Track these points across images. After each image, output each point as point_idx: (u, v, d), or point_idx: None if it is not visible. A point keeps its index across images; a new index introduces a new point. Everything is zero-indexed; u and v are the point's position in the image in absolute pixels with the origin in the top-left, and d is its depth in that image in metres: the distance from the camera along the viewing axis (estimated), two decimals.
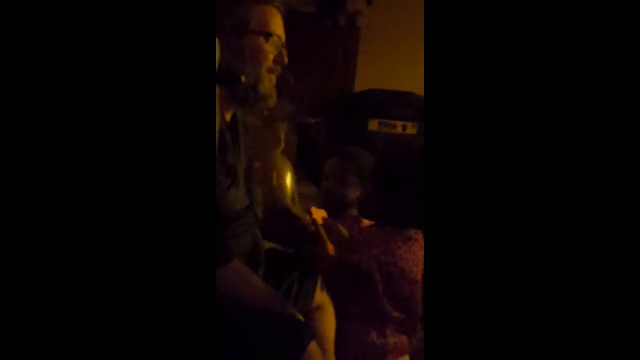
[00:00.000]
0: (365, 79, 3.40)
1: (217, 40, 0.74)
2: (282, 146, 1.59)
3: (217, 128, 1.08)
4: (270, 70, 1.15)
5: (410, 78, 3.05)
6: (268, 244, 1.33)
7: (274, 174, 1.43)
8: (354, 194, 1.67)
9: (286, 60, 1.16)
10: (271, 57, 1.14)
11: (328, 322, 1.31)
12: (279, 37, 1.15)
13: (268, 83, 1.15)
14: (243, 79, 1.08)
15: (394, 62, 3.35)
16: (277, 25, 1.15)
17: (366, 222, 1.67)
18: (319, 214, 1.38)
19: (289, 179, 1.50)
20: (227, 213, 1.12)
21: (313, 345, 1.05)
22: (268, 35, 1.13)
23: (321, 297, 1.32)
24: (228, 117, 1.18)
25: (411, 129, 3.23)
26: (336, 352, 1.28)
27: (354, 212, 1.69)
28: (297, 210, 1.38)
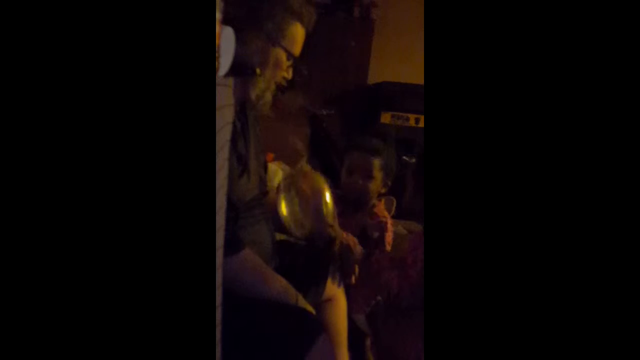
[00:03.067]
0: (379, 72, 3.38)
1: (232, 32, 0.74)
2: (305, 156, 1.50)
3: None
4: (276, 83, 1.19)
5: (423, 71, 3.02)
6: (280, 236, 1.33)
7: (305, 192, 1.25)
8: (377, 189, 1.66)
9: (290, 76, 1.21)
10: (283, 74, 1.18)
11: (339, 315, 1.31)
12: (296, 59, 1.19)
13: (271, 93, 1.19)
14: (258, 71, 1.08)
15: (408, 55, 3.32)
16: (299, 48, 1.19)
17: (389, 220, 1.67)
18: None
19: (327, 197, 1.28)
20: (238, 202, 1.13)
21: (323, 338, 1.05)
22: (291, 55, 1.17)
23: (332, 289, 1.32)
24: (237, 105, 1.18)
25: (424, 122, 3.21)
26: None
27: (378, 207, 1.67)
28: (336, 232, 1.31)
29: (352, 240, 1.35)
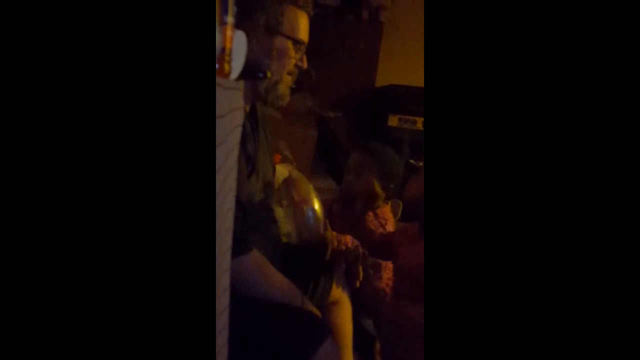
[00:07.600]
0: (387, 75, 3.39)
1: (244, 35, 0.74)
2: (294, 163, 1.52)
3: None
4: (289, 73, 1.18)
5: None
6: (284, 238, 1.34)
7: (296, 202, 1.30)
8: (372, 189, 1.67)
9: (305, 65, 1.20)
10: (294, 61, 1.17)
11: (345, 318, 1.31)
12: (304, 44, 1.18)
13: (285, 85, 1.18)
14: (269, 74, 1.08)
15: (416, 58, 3.32)
16: (305, 32, 1.18)
17: (390, 218, 1.67)
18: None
19: (316, 205, 1.33)
20: (246, 202, 1.13)
21: (329, 341, 1.05)
22: (296, 41, 1.16)
23: (337, 292, 1.32)
24: (247, 107, 1.19)
25: (424, 125, 3.21)
26: None
27: (382, 209, 1.68)
28: (328, 234, 1.34)
29: (347, 240, 1.34)
